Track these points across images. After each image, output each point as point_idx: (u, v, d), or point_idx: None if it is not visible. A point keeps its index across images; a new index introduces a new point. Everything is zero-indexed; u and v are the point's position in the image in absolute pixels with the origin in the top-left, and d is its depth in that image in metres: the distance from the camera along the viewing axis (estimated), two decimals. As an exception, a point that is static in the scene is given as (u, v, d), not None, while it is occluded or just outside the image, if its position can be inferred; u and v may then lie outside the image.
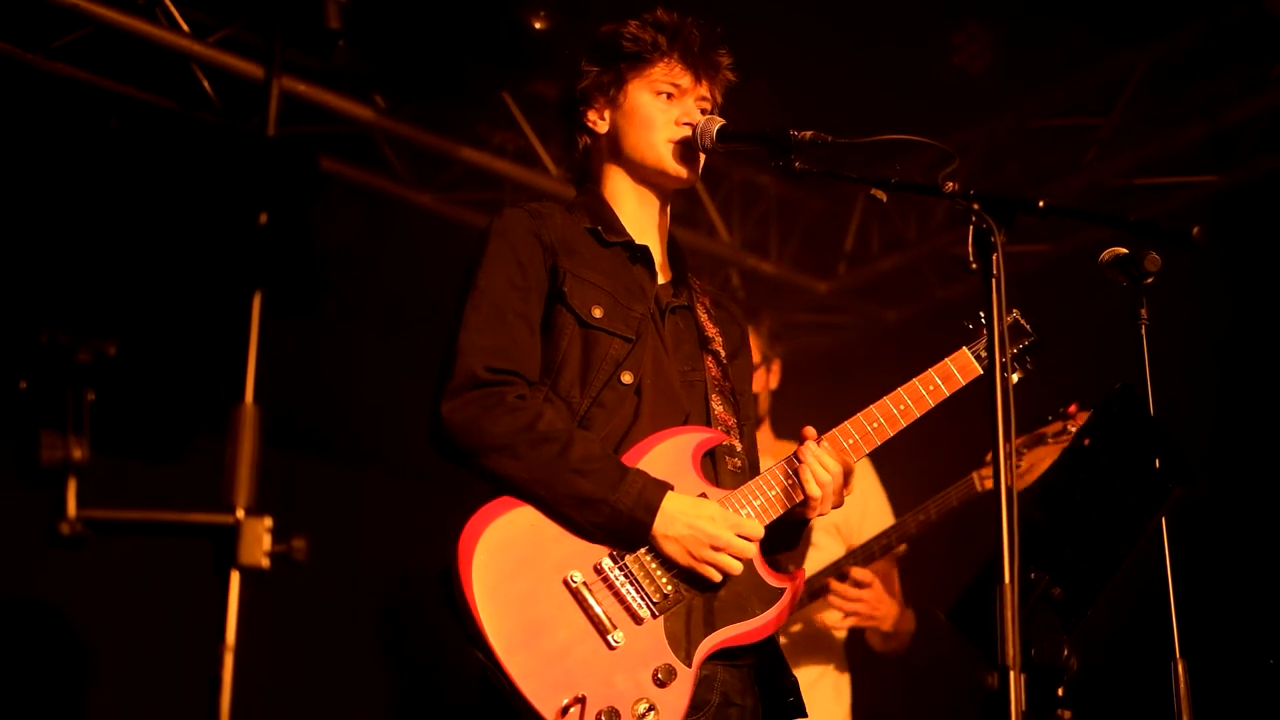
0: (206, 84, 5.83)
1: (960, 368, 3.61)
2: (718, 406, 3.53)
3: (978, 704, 2.58)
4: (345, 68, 6.01)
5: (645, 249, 3.60)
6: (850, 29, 6.05)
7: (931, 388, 3.57)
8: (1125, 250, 3.41)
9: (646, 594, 3.24)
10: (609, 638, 3.19)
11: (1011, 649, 2.54)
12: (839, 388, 5.44)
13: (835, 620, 5.26)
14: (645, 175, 3.64)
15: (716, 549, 3.26)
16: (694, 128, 3.54)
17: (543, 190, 6.75)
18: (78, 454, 2.06)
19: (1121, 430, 3.04)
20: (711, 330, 3.65)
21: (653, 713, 3.14)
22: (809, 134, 3.31)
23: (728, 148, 3.55)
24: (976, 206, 2.81)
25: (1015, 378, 3.70)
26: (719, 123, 3.52)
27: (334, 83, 6.05)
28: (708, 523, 3.27)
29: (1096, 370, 4.13)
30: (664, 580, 3.27)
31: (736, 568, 3.28)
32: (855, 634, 5.42)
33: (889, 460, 5.28)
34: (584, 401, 3.40)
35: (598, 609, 3.20)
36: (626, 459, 3.34)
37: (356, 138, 6.37)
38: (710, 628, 3.27)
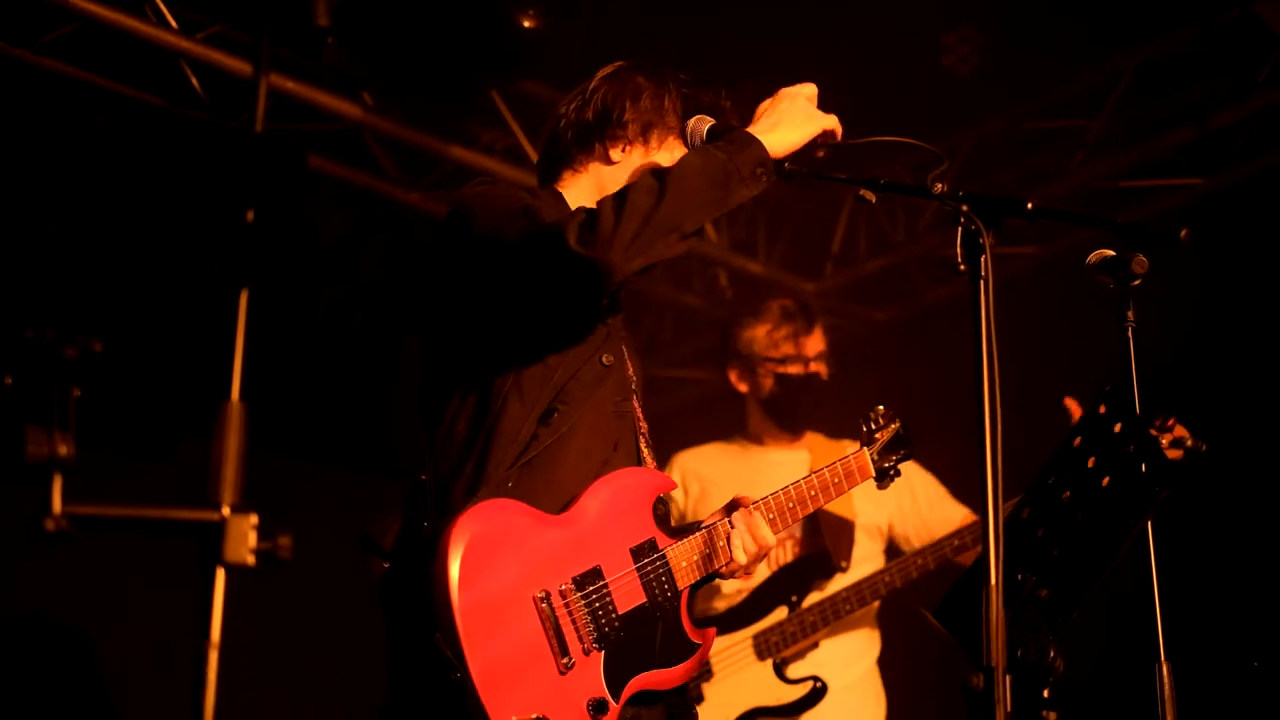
0: (195, 81, 5.82)
1: (861, 467, 3.83)
2: (644, 450, 3.60)
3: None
4: (333, 65, 6.00)
5: None
6: (839, 31, 6.05)
7: (837, 481, 3.79)
8: (1113, 253, 3.41)
9: (599, 626, 3.28)
10: (561, 661, 3.23)
11: (997, 650, 2.55)
12: (826, 387, 5.44)
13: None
14: None
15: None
16: (685, 126, 3.54)
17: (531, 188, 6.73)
18: (63, 450, 2.06)
19: (1109, 432, 3.04)
20: (632, 369, 3.64)
21: None
22: (798, 135, 3.31)
23: (716, 148, 3.54)
24: (965, 208, 2.82)
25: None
26: (708, 123, 3.51)
27: (322, 80, 6.03)
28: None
29: (1083, 372, 4.14)
30: (612, 614, 3.31)
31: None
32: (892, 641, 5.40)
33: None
34: (564, 376, 3.38)
35: (557, 631, 3.24)
36: (597, 484, 3.38)
37: (344, 135, 6.36)
38: (635, 669, 3.33)
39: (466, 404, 3.40)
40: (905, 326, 7.81)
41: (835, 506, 5.17)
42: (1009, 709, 2.55)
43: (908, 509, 5.35)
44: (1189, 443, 4.10)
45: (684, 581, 3.44)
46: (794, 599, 5.07)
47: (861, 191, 3.15)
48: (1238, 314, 6.28)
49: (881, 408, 3.90)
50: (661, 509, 3.53)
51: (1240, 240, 6.24)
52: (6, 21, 5.43)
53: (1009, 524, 2.67)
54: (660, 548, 3.42)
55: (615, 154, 3.62)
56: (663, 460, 5.49)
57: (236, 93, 5.81)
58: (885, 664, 5.34)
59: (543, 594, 3.24)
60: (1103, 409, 3.07)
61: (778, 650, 5.04)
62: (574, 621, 3.26)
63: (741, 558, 3.47)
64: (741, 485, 5.30)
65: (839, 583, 5.13)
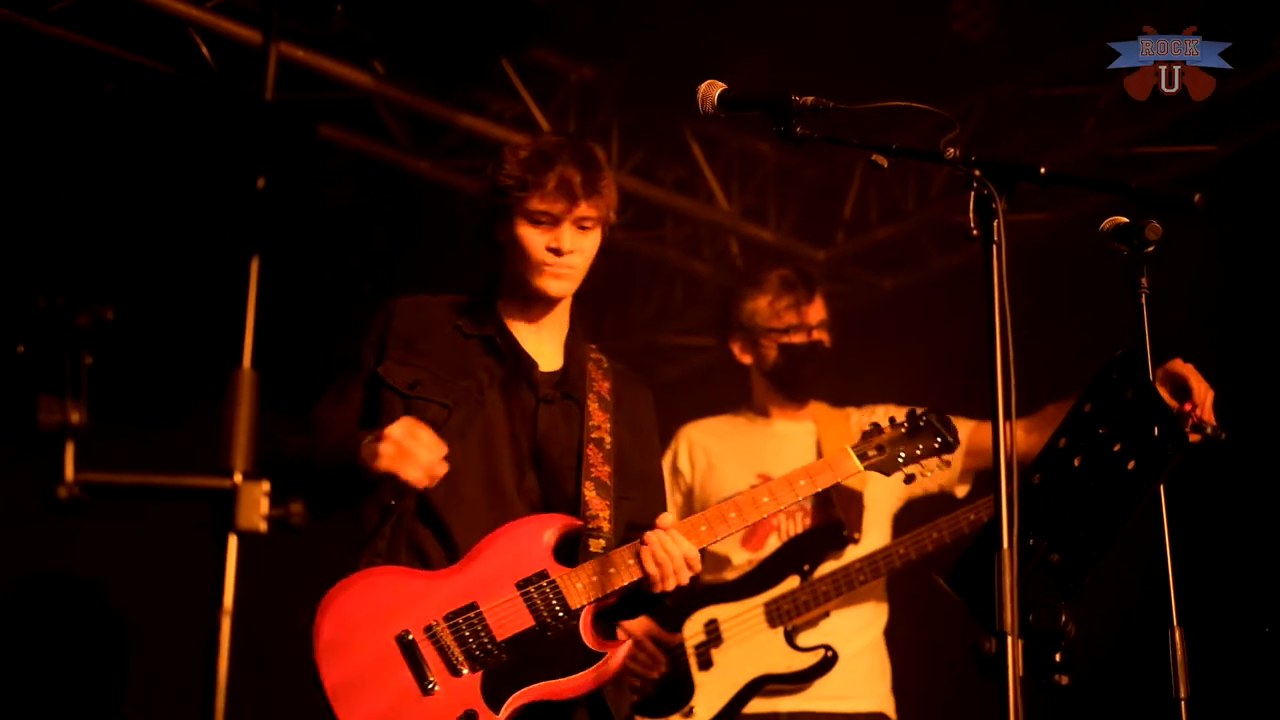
0: (204, 49, 5.80)
1: (837, 464, 3.93)
2: (589, 493, 3.80)
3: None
4: (343, 34, 5.99)
5: (492, 341, 3.91)
6: (850, -4, 6.04)
7: (802, 482, 3.87)
8: (1126, 219, 3.40)
9: (469, 649, 3.58)
10: (425, 686, 3.54)
11: (1009, 614, 2.55)
12: (829, 355, 5.43)
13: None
14: (526, 291, 3.92)
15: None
16: (698, 94, 3.53)
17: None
18: (75, 418, 2.06)
19: (1121, 397, 3.04)
20: (598, 419, 3.91)
21: None
22: (810, 99, 3.29)
23: (729, 114, 3.53)
24: (978, 173, 2.82)
25: (910, 472, 3.97)
26: (720, 87, 3.50)
27: (332, 49, 6.01)
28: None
29: (1095, 339, 4.13)
30: (486, 640, 3.60)
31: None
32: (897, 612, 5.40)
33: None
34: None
35: (421, 661, 3.56)
36: (491, 535, 3.70)
37: (354, 104, 6.35)
38: (521, 682, 3.59)
39: None
40: (914, 294, 7.80)
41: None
42: (1020, 673, 2.56)
43: None
44: (1209, 429, 4.09)
45: (578, 600, 3.65)
46: (806, 568, 5.08)
47: (874, 156, 3.13)
48: (1251, 280, 6.25)
49: (916, 409, 4.03)
50: (574, 542, 3.74)
51: (1254, 206, 6.21)
52: (15, -11, 5.42)
53: (1020, 489, 2.67)
54: (552, 575, 3.66)
55: (498, 231, 3.92)
56: (669, 434, 5.51)
57: (246, 61, 5.79)
58: (891, 631, 5.35)
59: (404, 632, 3.58)
60: (1115, 375, 3.06)
61: (789, 618, 5.05)
62: (440, 649, 3.57)
63: (653, 570, 3.65)
64: (748, 457, 5.32)
65: (852, 554, 5.14)
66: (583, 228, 3.86)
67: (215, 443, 2.11)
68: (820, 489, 3.91)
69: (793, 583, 5.08)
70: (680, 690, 5.07)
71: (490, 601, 3.63)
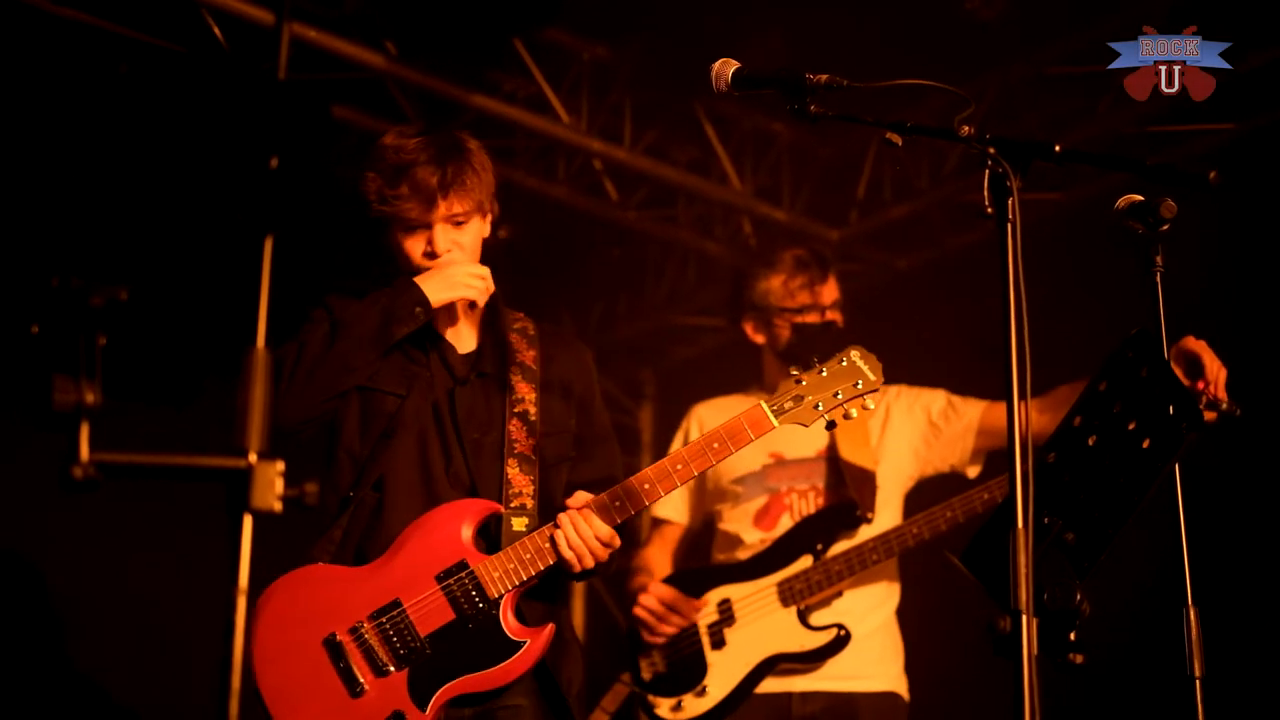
0: (217, 30, 5.80)
1: (752, 422, 3.79)
2: (512, 470, 3.81)
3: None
4: (356, 14, 5.98)
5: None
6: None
7: (716, 445, 3.77)
8: (1141, 197, 3.39)
9: (394, 649, 3.63)
10: (354, 689, 3.60)
11: (1024, 593, 2.55)
12: (848, 335, 5.42)
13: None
14: None
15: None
16: (711, 73, 3.51)
17: (554, 137, 6.74)
18: (90, 398, 2.07)
19: (1135, 375, 3.03)
20: (521, 391, 3.91)
21: None
22: (824, 77, 3.28)
23: (742, 92, 3.52)
24: (992, 151, 2.81)
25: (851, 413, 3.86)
26: (733, 66, 3.49)
27: (345, 29, 6.02)
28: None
29: (1110, 318, 4.12)
30: (409, 637, 3.64)
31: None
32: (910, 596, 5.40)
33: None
34: (364, 451, 3.81)
35: (349, 663, 3.62)
36: (410, 527, 3.73)
37: (367, 84, 6.35)
38: (445, 677, 3.63)
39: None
40: (928, 273, 7.78)
41: (856, 456, 5.17)
42: (1035, 652, 2.56)
43: (927, 435, 5.34)
44: (1224, 406, 4.07)
45: (497, 590, 3.67)
46: (819, 547, 5.08)
47: (888, 134, 3.12)
48: (1265, 257, 6.23)
49: (816, 358, 3.89)
50: (497, 525, 3.75)
51: (1269, 184, 6.18)
52: (27, -29, 5.42)
53: (1035, 468, 2.67)
54: (470, 566, 3.67)
55: (388, 243, 3.97)
56: (681, 413, 5.50)
57: (259, 42, 5.79)
58: (903, 611, 5.35)
59: (330, 634, 3.63)
60: (1130, 353, 3.06)
61: (802, 598, 5.06)
62: (365, 651, 3.63)
63: (567, 553, 3.67)
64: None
65: (865, 533, 5.14)
66: (457, 223, 3.88)
67: (230, 423, 2.11)
68: (736, 449, 3.79)
69: (805, 562, 5.08)
70: (693, 669, 5.09)
71: (413, 597, 3.65)
